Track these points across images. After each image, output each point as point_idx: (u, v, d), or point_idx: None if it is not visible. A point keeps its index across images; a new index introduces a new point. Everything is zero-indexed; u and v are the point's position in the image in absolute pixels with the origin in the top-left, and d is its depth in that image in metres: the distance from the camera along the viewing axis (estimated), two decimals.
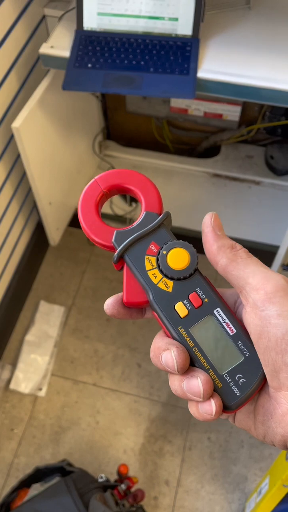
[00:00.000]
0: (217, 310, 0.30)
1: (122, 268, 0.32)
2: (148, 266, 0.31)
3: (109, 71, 1.00)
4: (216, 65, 1.00)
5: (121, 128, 1.65)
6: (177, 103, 1.49)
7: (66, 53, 1.03)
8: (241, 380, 0.29)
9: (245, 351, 0.29)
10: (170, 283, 0.31)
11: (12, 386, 1.34)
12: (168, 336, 0.30)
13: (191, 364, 0.29)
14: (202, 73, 0.98)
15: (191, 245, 0.31)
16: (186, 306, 0.30)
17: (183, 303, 0.30)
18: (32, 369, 1.36)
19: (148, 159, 1.60)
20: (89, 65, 1.01)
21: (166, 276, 0.31)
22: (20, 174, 1.26)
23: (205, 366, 0.29)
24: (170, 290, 0.30)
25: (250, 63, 1.00)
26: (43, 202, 1.25)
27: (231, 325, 0.30)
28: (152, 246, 0.31)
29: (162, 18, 1.02)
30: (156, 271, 0.31)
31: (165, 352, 0.29)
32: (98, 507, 0.84)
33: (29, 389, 1.33)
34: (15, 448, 1.28)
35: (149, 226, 0.32)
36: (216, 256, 0.30)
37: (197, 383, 0.28)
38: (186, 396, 0.28)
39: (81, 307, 1.50)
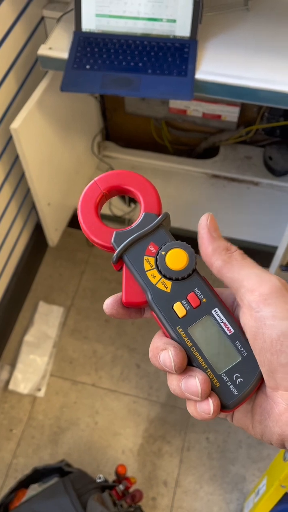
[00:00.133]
0: (215, 310, 0.30)
1: (121, 269, 0.32)
2: (147, 266, 0.31)
3: (107, 72, 1.00)
4: (214, 66, 1.00)
5: (120, 129, 1.65)
6: (176, 104, 1.49)
7: (64, 54, 1.03)
8: (238, 380, 0.29)
9: (242, 351, 0.29)
10: (169, 283, 0.31)
11: (11, 386, 1.34)
12: (166, 336, 0.30)
13: (189, 363, 0.29)
14: (200, 75, 0.99)
15: (190, 246, 0.31)
16: (184, 306, 0.30)
17: (181, 303, 0.30)
18: (31, 369, 1.36)
19: (147, 160, 1.60)
20: (88, 67, 1.01)
21: (164, 276, 0.31)
22: (19, 175, 1.27)
23: (203, 365, 0.29)
24: (168, 290, 0.31)
25: (248, 64, 1.00)
26: (41, 203, 1.26)
27: (228, 325, 0.30)
28: (151, 247, 0.32)
29: (160, 20, 1.02)
30: (155, 272, 0.31)
31: (163, 351, 0.29)
32: (96, 507, 0.84)
33: (28, 390, 1.33)
34: (13, 448, 1.28)
35: (148, 227, 0.32)
36: (211, 258, 0.30)
37: (195, 382, 0.28)
38: (184, 395, 0.28)
39: (80, 308, 1.50)
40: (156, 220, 0.32)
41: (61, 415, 1.32)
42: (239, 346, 0.29)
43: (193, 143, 1.64)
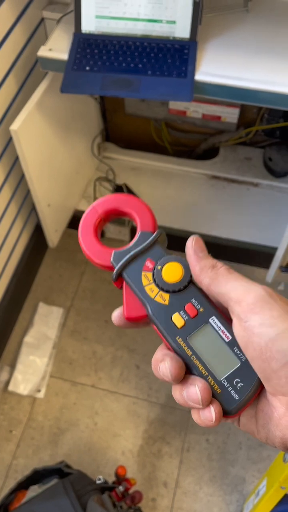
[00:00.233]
0: (212, 319, 0.31)
1: (122, 287, 0.34)
2: (145, 281, 0.33)
3: (107, 74, 1.00)
4: (214, 68, 1.00)
5: (119, 130, 1.65)
6: (175, 105, 1.49)
7: (64, 55, 1.03)
8: (239, 385, 0.30)
9: (241, 356, 0.30)
10: (166, 296, 0.32)
11: (10, 387, 1.34)
12: (168, 347, 0.31)
13: (190, 372, 0.30)
14: (199, 76, 0.99)
15: (184, 259, 0.33)
16: (182, 317, 0.31)
17: (179, 314, 0.32)
18: (31, 370, 1.36)
19: (146, 161, 1.60)
20: (87, 68, 1.01)
21: (162, 289, 0.32)
22: (19, 176, 1.27)
23: (203, 373, 0.30)
24: (166, 302, 0.32)
25: (248, 66, 1.00)
26: (41, 204, 1.26)
27: (226, 332, 0.31)
28: (148, 263, 0.33)
29: (160, 21, 1.02)
30: (153, 286, 0.32)
31: (161, 363, 0.30)
32: (95, 509, 0.84)
33: (28, 391, 1.33)
34: (13, 449, 1.28)
35: (144, 244, 0.34)
36: (199, 276, 0.31)
37: (195, 390, 0.29)
38: (187, 404, 0.29)
39: (80, 309, 1.50)
40: (151, 237, 0.34)
41: (61, 416, 1.32)
42: (238, 352, 0.30)
43: (193, 144, 1.64)
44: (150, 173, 1.58)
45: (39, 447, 1.28)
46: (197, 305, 0.32)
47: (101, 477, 1.01)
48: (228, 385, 0.30)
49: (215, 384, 0.30)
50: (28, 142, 1.08)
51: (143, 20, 1.03)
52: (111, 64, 1.01)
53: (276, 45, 1.04)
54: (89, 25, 1.04)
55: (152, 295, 0.32)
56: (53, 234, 1.40)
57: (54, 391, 1.36)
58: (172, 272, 0.32)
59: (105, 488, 0.97)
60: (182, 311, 0.32)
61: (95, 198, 1.55)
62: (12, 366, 1.38)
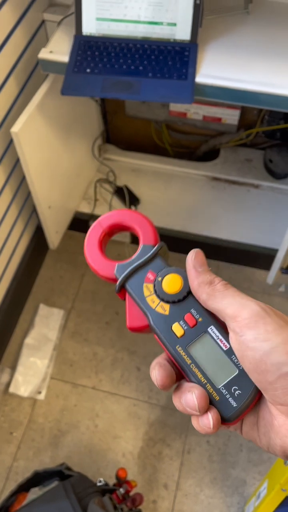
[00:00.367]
0: (211, 328, 0.32)
1: (125, 298, 0.35)
2: (146, 292, 0.34)
3: (107, 76, 1.01)
4: (215, 70, 1.00)
5: (120, 132, 1.66)
6: (176, 107, 1.50)
7: (65, 58, 1.03)
8: (237, 392, 0.31)
9: (238, 364, 0.31)
10: (167, 306, 0.33)
11: (11, 389, 1.34)
12: (168, 355, 0.33)
13: (189, 380, 0.31)
14: (200, 78, 0.99)
15: (184, 270, 0.34)
16: (182, 327, 0.33)
17: (179, 323, 0.33)
18: (32, 372, 1.36)
19: (147, 163, 1.60)
20: (88, 70, 1.01)
21: (162, 300, 0.33)
22: (20, 178, 1.27)
23: (202, 381, 0.31)
24: (167, 313, 0.33)
25: (249, 68, 1.00)
26: (42, 206, 1.26)
27: (224, 341, 0.32)
28: (149, 275, 0.34)
29: (161, 23, 1.02)
30: (154, 297, 0.34)
31: (151, 371, 0.32)
32: (96, 511, 0.84)
33: (29, 393, 1.33)
34: (14, 451, 1.28)
35: (146, 257, 0.35)
36: (197, 292, 0.32)
37: (192, 398, 0.30)
38: (186, 411, 0.30)
39: (81, 311, 1.50)
40: (153, 250, 0.35)
41: (61, 418, 1.32)
42: (235, 360, 0.31)
43: (193, 145, 1.64)
44: (151, 175, 1.58)
45: (39, 449, 1.28)
46: (196, 315, 0.33)
47: (101, 479, 1.01)
48: (226, 392, 0.31)
49: (214, 392, 0.31)
50: (29, 144, 1.09)
51: (143, 22, 1.03)
52: (112, 66, 1.01)
53: (277, 47, 1.04)
54: (89, 27, 1.04)
55: (153, 305, 0.33)
56: (53, 236, 1.40)
57: (55, 393, 1.36)
58: (171, 283, 0.33)
59: (105, 490, 0.97)
60: (181, 321, 0.33)
61: (95, 200, 1.55)
62: (13, 368, 1.38)
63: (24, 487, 1.01)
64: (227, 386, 0.31)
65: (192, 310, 0.33)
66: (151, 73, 1.00)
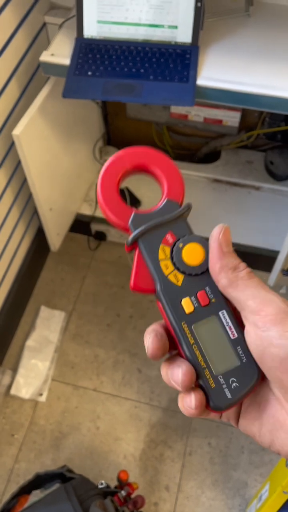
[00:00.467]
0: (222, 312, 0.30)
1: (131, 251, 0.32)
2: (161, 255, 0.30)
3: (109, 79, 1.01)
4: (216, 72, 1.00)
5: (121, 134, 1.66)
6: (177, 109, 1.50)
7: (66, 60, 1.03)
8: (234, 384, 0.29)
9: (242, 356, 0.29)
10: (181, 277, 0.30)
11: (12, 391, 1.34)
12: (169, 328, 0.30)
13: (187, 359, 0.29)
14: (201, 81, 0.99)
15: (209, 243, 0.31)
16: (193, 303, 0.30)
17: (190, 299, 0.30)
18: (33, 374, 1.36)
19: None
20: (89, 73, 1.02)
21: (178, 269, 0.30)
22: (21, 181, 1.27)
23: (201, 364, 0.29)
24: (179, 284, 0.30)
25: (250, 70, 1.00)
26: (43, 208, 1.26)
27: (233, 330, 0.30)
28: (168, 236, 0.31)
29: (162, 26, 1.03)
30: (169, 262, 0.30)
31: (145, 336, 0.30)
32: None
33: (30, 395, 1.33)
34: (15, 453, 1.28)
35: (169, 215, 0.31)
36: (218, 275, 0.29)
37: (178, 372, 0.29)
38: (171, 384, 0.29)
39: (82, 313, 1.50)
40: (179, 210, 0.31)
41: (63, 420, 1.32)
42: (240, 352, 0.29)
43: (194, 147, 1.64)
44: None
45: (41, 451, 1.28)
46: (210, 295, 0.30)
47: (103, 481, 1.01)
48: (224, 382, 0.29)
49: (211, 378, 0.29)
50: (30, 147, 1.09)
51: (144, 25, 1.03)
52: (113, 69, 1.01)
53: (278, 49, 1.04)
54: (91, 30, 1.05)
55: (166, 272, 0.30)
56: (55, 238, 1.40)
57: (56, 395, 1.36)
58: (193, 254, 0.30)
59: (107, 492, 0.97)
60: (193, 297, 0.30)
61: (97, 202, 1.55)
62: (14, 370, 1.38)
63: (25, 490, 1.01)
64: (226, 376, 0.29)
65: (207, 288, 0.30)
66: (152, 75, 1.00)
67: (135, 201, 1.52)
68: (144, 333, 0.30)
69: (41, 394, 1.35)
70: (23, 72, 1.15)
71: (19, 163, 1.21)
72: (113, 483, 1.11)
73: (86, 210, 1.53)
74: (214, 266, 0.30)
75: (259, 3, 1.13)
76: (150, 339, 0.29)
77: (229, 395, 0.29)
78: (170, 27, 1.03)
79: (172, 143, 1.64)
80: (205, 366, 0.29)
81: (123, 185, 1.50)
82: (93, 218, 1.55)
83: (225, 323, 0.30)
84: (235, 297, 0.29)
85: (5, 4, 1.01)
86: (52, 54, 1.05)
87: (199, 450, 1.28)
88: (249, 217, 1.50)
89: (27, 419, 1.32)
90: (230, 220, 1.48)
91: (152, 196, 1.54)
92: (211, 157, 1.62)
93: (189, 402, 0.28)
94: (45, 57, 1.05)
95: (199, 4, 1.00)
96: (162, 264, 0.30)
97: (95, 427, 1.31)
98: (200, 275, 0.30)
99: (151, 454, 1.27)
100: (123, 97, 1.00)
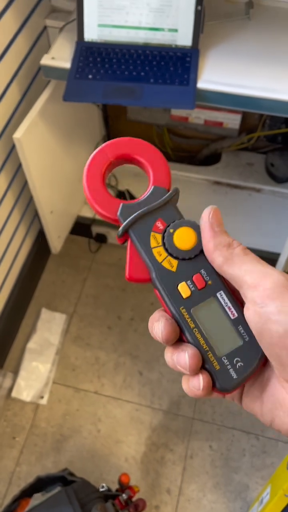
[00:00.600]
0: (220, 293, 0.30)
1: (124, 242, 0.31)
2: (153, 243, 0.30)
3: (109, 82, 1.01)
4: (216, 75, 1.00)
5: (122, 136, 1.66)
6: (177, 111, 1.50)
7: (67, 64, 1.04)
8: (238, 364, 0.29)
9: (244, 335, 0.29)
10: (175, 262, 0.30)
11: (14, 394, 1.34)
12: (168, 315, 0.30)
13: (190, 344, 0.29)
14: (201, 84, 0.99)
15: (199, 226, 0.30)
16: (189, 287, 0.30)
17: (186, 283, 0.30)
18: (34, 377, 1.36)
19: None
20: (90, 76, 1.02)
21: (171, 255, 0.30)
22: (22, 184, 1.27)
23: (204, 347, 0.29)
24: (174, 269, 0.30)
25: (250, 73, 1.00)
26: (44, 210, 1.26)
27: (233, 309, 0.29)
28: (158, 223, 0.31)
29: (162, 29, 1.03)
30: (161, 249, 0.30)
31: (156, 323, 0.29)
32: None
33: (31, 397, 1.33)
34: (16, 456, 1.28)
35: (157, 202, 0.31)
36: (212, 254, 0.29)
37: (184, 356, 0.28)
38: (176, 368, 0.29)
39: (83, 315, 1.50)
40: (166, 195, 0.31)
41: (64, 423, 1.32)
42: (242, 331, 0.29)
43: (195, 150, 1.64)
44: None
45: (42, 454, 1.28)
46: (206, 277, 0.30)
47: (104, 484, 1.01)
48: (228, 363, 0.29)
49: (215, 361, 0.29)
50: (31, 150, 1.09)
51: (145, 28, 1.03)
52: (114, 72, 1.02)
53: (278, 52, 1.04)
54: (91, 33, 1.05)
55: (159, 259, 0.30)
56: (56, 240, 1.40)
57: (57, 398, 1.36)
58: (185, 238, 0.30)
59: (108, 496, 0.97)
60: (189, 281, 0.30)
61: None
62: (15, 373, 1.38)
63: (27, 493, 1.01)
64: (229, 356, 0.29)
65: (202, 271, 0.30)
66: (152, 78, 1.00)
67: None
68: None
69: (42, 397, 1.35)
70: (23, 76, 1.15)
71: (20, 166, 1.21)
72: (114, 486, 1.11)
73: (87, 213, 1.54)
74: (208, 246, 0.29)
75: (259, 6, 1.14)
76: (162, 323, 0.29)
77: (234, 375, 0.29)
78: (170, 30, 1.03)
79: (172, 145, 1.64)
80: (207, 348, 0.29)
81: (123, 187, 1.49)
82: (94, 221, 1.55)
83: (223, 303, 0.29)
84: (232, 274, 0.28)
85: (6, 8, 1.01)
86: (53, 58, 1.05)
87: (200, 453, 1.28)
88: (249, 219, 1.50)
89: (28, 422, 1.32)
90: (230, 222, 1.48)
91: None
92: (211, 159, 1.62)
93: (196, 385, 0.28)
94: (45, 60, 1.05)
95: (199, 8, 1.00)
96: (155, 251, 0.30)
97: (96, 430, 1.31)
98: (194, 259, 0.30)
99: (152, 457, 1.27)
100: (124, 100, 1.00)
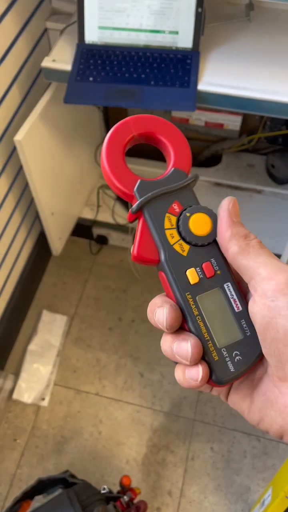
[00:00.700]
0: (227, 285, 0.29)
1: (134, 220, 0.31)
2: (167, 224, 0.30)
3: (110, 84, 1.01)
4: (216, 77, 1.00)
5: None
6: (178, 113, 1.50)
7: (67, 66, 1.04)
8: (237, 357, 0.29)
9: (246, 330, 0.29)
10: (187, 247, 0.30)
11: (15, 396, 1.34)
12: (172, 299, 0.30)
13: (190, 331, 0.29)
14: (202, 86, 0.99)
15: (216, 214, 0.30)
16: (198, 274, 0.29)
17: (195, 270, 0.29)
18: (35, 378, 1.37)
19: (149, 168, 1.60)
20: (91, 79, 1.02)
21: (183, 239, 0.30)
22: (23, 186, 1.27)
23: (205, 336, 0.29)
24: (185, 254, 0.29)
25: (251, 75, 1.01)
26: (45, 212, 1.26)
27: (238, 302, 0.29)
28: (175, 205, 0.30)
29: (163, 32, 1.03)
30: (175, 232, 0.30)
31: (159, 308, 0.29)
32: None
33: (32, 399, 1.33)
34: (18, 458, 1.28)
35: (177, 184, 0.30)
36: (228, 243, 0.29)
37: (186, 346, 0.28)
38: (174, 357, 0.28)
39: (84, 316, 1.50)
40: (186, 179, 0.31)
41: (65, 425, 1.32)
42: (244, 325, 0.29)
43: (195, 151, 1.64)
44: None
45: (43, 456, 1.28)
46: (215, 266, 0.29)
47: (105, 486, 1.01)
48: (227, 355, 0.28)
49: (214, 351, 0.28)
50: (32, 152, 1.09)
51: (145, 30, 1.03)
52: (114, 74, 1.02)
53: (279, 54, 1.04)
54: (92, 35, 1.05)
55: (171, 241, 0.29)
56: (57, 242, 1.40)
57: (58, 400, 1.36)
58: (201, 224, 0.30)
59: (110, 498, 0.97)
60: (198, 268, 0.29)
61: (98, 206, 1.55)
62: (16, 374, 1.38)
63: (28, 495, 1.01)
64: (229, 349, 0.29)
65: (213, 260, 0.30)
66: (153, 81, 1.01)
67: None
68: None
69: (43, 399, 1.35)
70: (24, 78, 1.15)
71: (20, 168, 1.21)
72: (116, 488, 1.11)
73: (88, 214, 1.54)
74: (224, 234, 0.29)
75: (259, 8, 1.14)
76: (167, 309, 0.28)
77: (232, 368, 0.28)
78: (171, 32, 1.03)
79: None
80: (208, 338, 0.29)
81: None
82: (95, 222, 1.55)
83: (229, 295, 0.29)
84: (246, 264, 0.28)
85: (7, 10, 1.01)
86: (54, 60, 1.05)
87: (202, 454, 1.28)
88: (250, 220, 1.49)
89: (29, 424, 1.32)
90: None
91: None
92: (212, 161, 1.62)
93: (194, 375, 0.28)
94: (46, 63, 1.05)
95: (199, 10, 1.00)
96: (167, 233, 0.30)
97: (97, 432, 1.31)
98: (206, 246, 0.30)
99: (154, 459, 1.27)
100: (124, 103, 1.00)
